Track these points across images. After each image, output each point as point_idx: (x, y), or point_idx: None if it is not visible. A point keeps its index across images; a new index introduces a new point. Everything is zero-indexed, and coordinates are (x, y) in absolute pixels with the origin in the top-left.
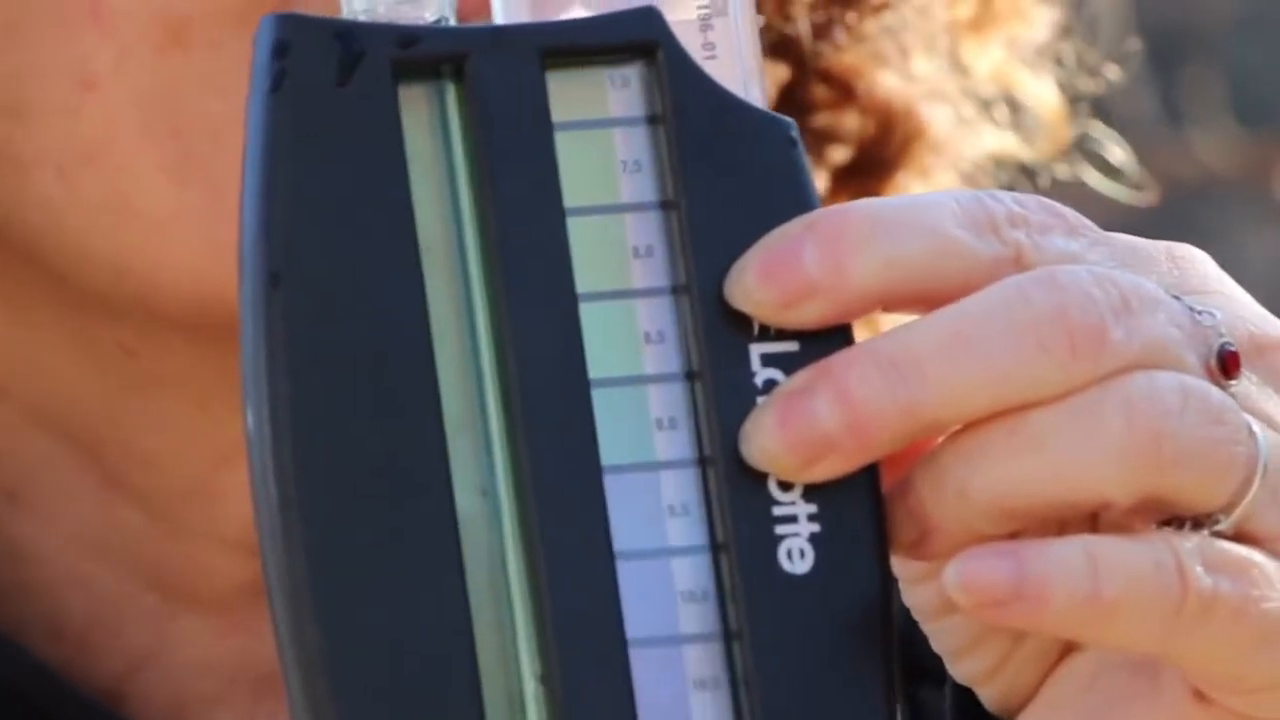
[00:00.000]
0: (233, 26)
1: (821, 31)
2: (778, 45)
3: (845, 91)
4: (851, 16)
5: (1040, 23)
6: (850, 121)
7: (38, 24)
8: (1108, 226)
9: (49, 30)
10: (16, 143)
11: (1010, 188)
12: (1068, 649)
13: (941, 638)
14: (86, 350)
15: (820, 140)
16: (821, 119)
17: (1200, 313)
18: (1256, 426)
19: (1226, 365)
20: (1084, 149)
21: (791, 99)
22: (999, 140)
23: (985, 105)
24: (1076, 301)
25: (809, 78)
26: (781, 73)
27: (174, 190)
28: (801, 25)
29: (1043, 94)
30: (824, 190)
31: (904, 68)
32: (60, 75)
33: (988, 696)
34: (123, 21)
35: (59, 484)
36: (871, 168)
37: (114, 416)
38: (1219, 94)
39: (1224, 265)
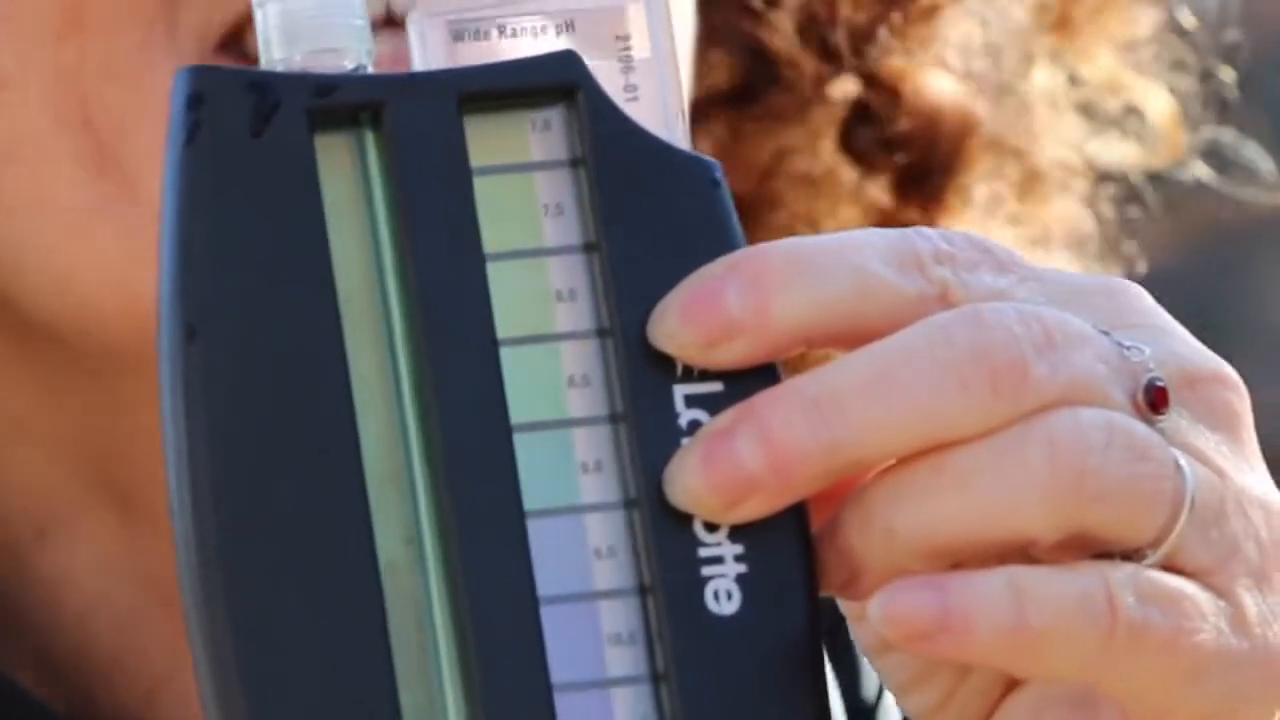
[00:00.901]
0: (126, 11)
1: (866, 34)
2: (824, 49)
3: (892, 95)
4: (896, 18)
5: (1143, 23)
6: (903, 125)
7: None
8: (1236, 230)
9: None
10: None
11: (1133, 195)
12: (1011, 684)
13: (888, 673)
14: (89, 381)
15: (876, 147)
16: (875, 125)
17: (1129, 348)
18: (1184, 461)
19: (1154, 400)
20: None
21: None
22: (1115, 149)
23: (1099, 113)
24: (999, 339)
25: (857, 82)
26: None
27: (91, 183)
28: (844, 29)
29: (1158, 99)
30: (885, 201)
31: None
32: None
33: None
34: (24, 15)
35: (85, 519)
36: (928, 171)
37: (124, 442)
38: None
39: None
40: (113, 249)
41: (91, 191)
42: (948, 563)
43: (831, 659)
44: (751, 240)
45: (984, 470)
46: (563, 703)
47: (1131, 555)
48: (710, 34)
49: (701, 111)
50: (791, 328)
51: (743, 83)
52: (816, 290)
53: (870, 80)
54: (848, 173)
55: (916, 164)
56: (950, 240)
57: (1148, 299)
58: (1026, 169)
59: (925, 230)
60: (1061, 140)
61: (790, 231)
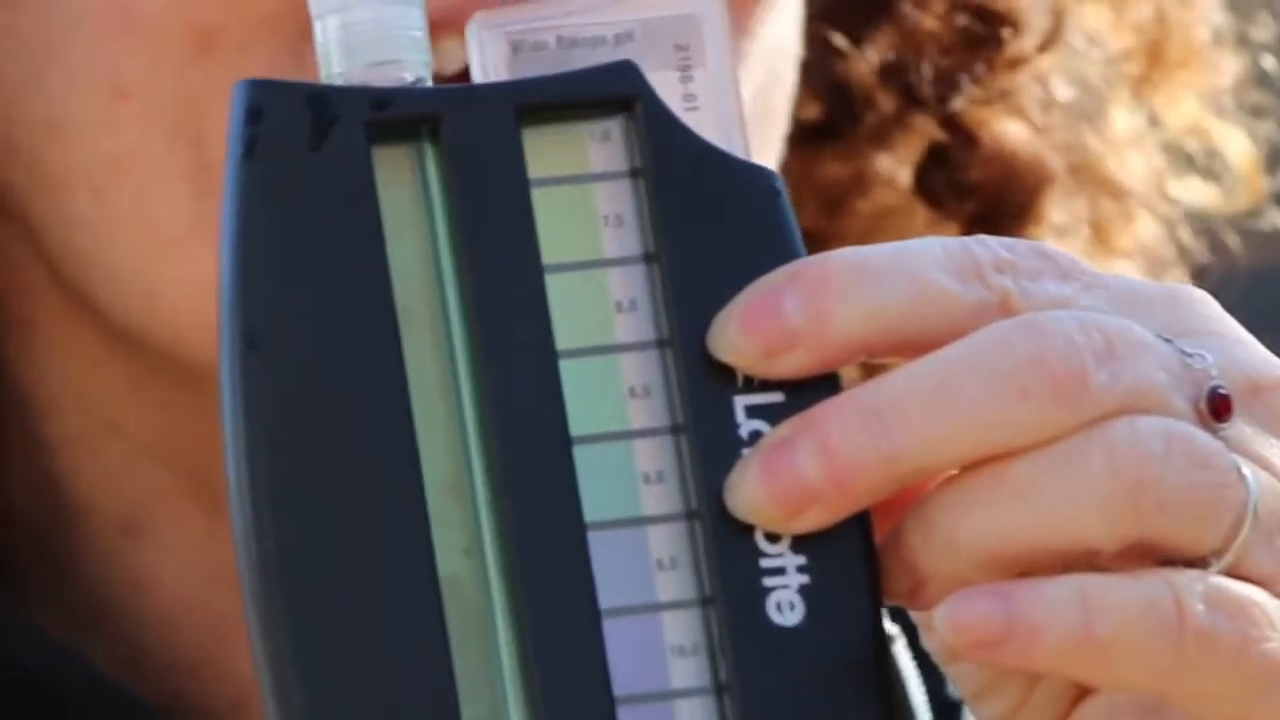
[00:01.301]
0: (262, 34)
1: (948, 80)
2: (906, 91)
3: (970, 142)
4: (980, 67)
5: (1226, 70)
6: (977, 172)
7: (73, 37)
8: None
9: (84, 43)
10: (53, 160)
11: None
12: (1082, 693)
13: (960, 681)
14: (177, 384)
15: (950, 191)
16: (950, 169)
17: (1192, 355)
18: (1247, 469)
19: (1217, 408)
20: None
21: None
22: (1196, 192)
23: (1182, 156)
24: (1058, 347)
25: (935, 125)
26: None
27: (193, 202)
28: (927, 72)
29: (1238, 144)
30: None
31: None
32: (94, 88)
33: None
34: (154, 30)
35: (173, 515)
36: (999, 218)
37: (212, 445)
38: None
39: None
40: (207, 268)
41: (193, 211)
42: (1011, 572)
43: (917, 657)
44: None
45: (1044, 480)
46: (625, 715)
47: (1195, 564)
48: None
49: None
50: (851, 337)
51: (824, 118)
52: (876, 299)
53: (948, 125)
54: (921, 213)
55: (988, 212)
56: (1012, 248)
57: (1214, 306)
58: (1115, 196)
59: (986, 238)
60: (1143, 176)
61: None
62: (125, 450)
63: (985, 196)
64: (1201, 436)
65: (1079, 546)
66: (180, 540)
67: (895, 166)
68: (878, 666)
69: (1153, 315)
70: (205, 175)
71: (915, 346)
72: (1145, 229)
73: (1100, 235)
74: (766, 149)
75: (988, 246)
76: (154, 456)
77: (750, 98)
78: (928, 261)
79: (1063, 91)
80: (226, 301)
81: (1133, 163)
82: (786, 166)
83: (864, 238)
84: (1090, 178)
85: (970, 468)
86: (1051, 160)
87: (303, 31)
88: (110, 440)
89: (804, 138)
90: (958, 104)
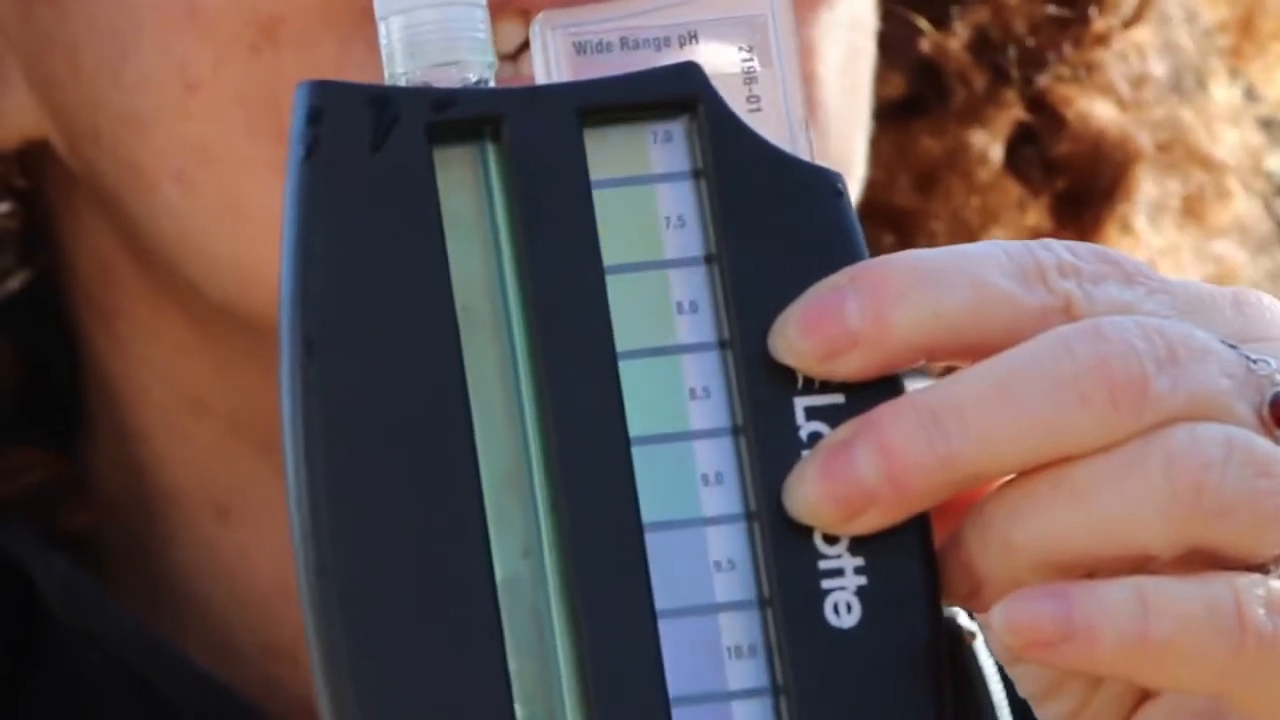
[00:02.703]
0: (323, 24)
1: (1036, 58)
2: (994, 69)
3: (1057, 120)
4: (1067, 44)
5: None
6: (1064, 149)
7: (141, 31)
8: None
9: (152, 37)
10: (139, 153)
11: None
12: (1144, 696)
13: (1023, 682)
14: (268, 366)
15: (1038, 168)
16: (1038, 146)
17: (1256, 361)
18: None
19: None
20: None
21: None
22: None
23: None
24: (1119, 353)
25: (1023, 103)
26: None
27: (280, 193)
28: (1014, 49)
29: None
30: (1043, 221)
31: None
32: (165, 80)
33: None
34: (218, 22)
35: (265, 497)
36: (1088, 196)
37: None
38: None
39: None
40: None
41: (280, 199)
42: (1068, 577)
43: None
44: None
45: (1102, 486)
46: (681, 715)
47: (1254, 570)
48: (881, 47)
49: (874, 120)
50: (911, 340)
51: (911, 94)
52: (937, 302)
53: (1035, 103)
54: (1014, 191)
55: (1076, 189)
56: (1075, 252)
57: None
58: (1210, 171)
59: (1050, 242)
60: (1239, 152)
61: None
62: (214, 434)
63: (1073, 174)
64: (1261, 443)
65: (1136, 552)
66: (273, 524)
67: (987, 144)
68: (935, 669)
69: (1218, 320)
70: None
71: (976, 350)
72: (1241, 205)
73: (1194, 211)
74: (855, 122)
75: (1051, 250)
76: (244, 440)
77: (837, 70)
78: (990, 265)
79: (1157, 66)
80: (286, 308)
81: (1228, 138)
82: (880, 144)
83: (957, 215)
84: (1184, 153)
85: (1029, 472)
86: (1140, 137)
87: (366, 13)
88: (198, 424)
89: (893, 114)
90: (1044, 81)
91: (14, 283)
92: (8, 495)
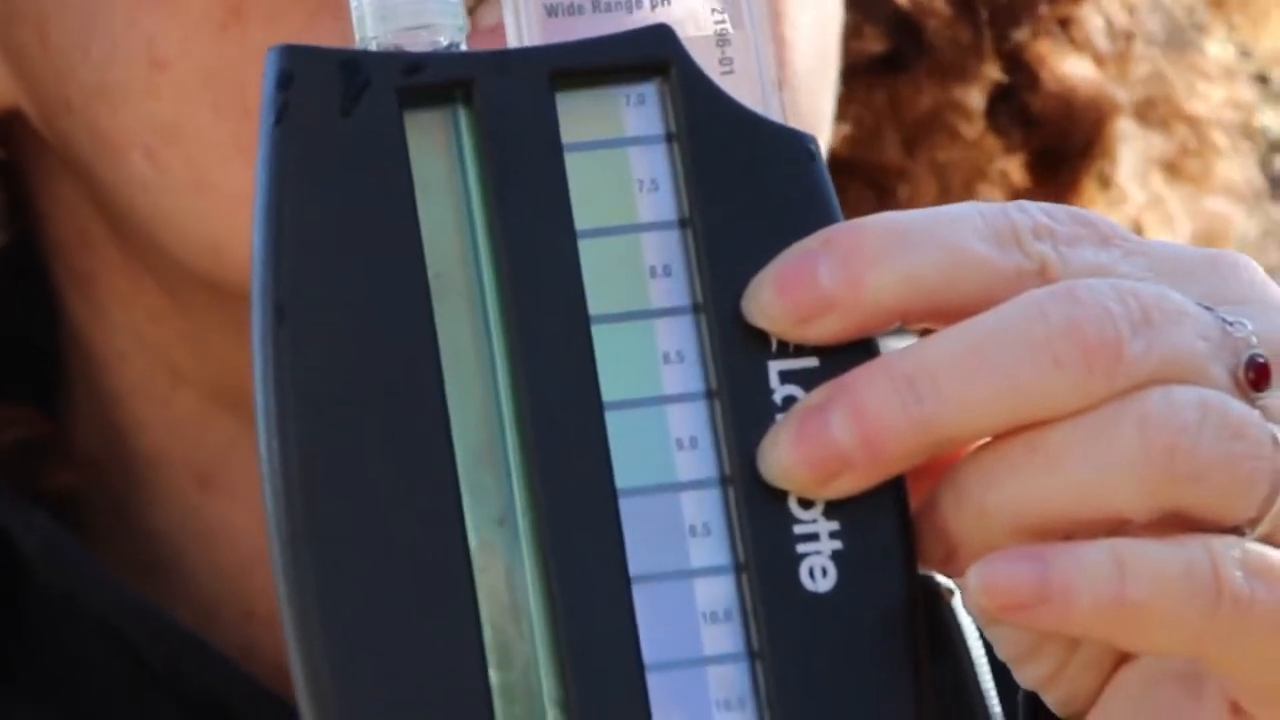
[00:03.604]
0: (289, 1)
1: (1011, 14)
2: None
3: (1031, 75)
4: (1043, 4)
5: None
6: (1039, 106)
7: (112, 7)
8: None
9: (121, 13)
10: (108, 125)
11: None
12: (1122, 659)
13: (1000, 644)
14: (242, 333)
15: (1015, 124)
16: (1015, 102)
17: (1232, 323)
18: None
19: (1256, 377)
20: None
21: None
22: None
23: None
24: (1093, 316)
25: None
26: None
27: (250, 171)
28: (988, 7)
29: None
30: (1022, 178)
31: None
32: (133, 56)
33: (1051, 701)
34: (185, 1)
35: (245, 465)
36: (1064, 152)
37: None
38: None
39: None
40: None
41: (250, 178)
42: (1042, 540)
43: None
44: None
45: (1075, 449)
46: (656, 681)
47: (1229, 533)
48: (858, 2)
49: (857, 77)
50: (885, 303)
51: (893, 51)
52: (911, 265)
53: (1012, 58)
54: (994, 146)
55: (1052, 145)
56: (1051, 214)
57: (1258, 272)
58: (1195, 129)
59: (1025, 204)
60: (1227, 106)
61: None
62: (193, 402)
63: (1048, 130)
64: (1237, 406)
65: (1111, 516)
66: (254, 491)
67: (970, 99)
68: (912, 633)
69: (1194, 282)
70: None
71: (951, 313)
72: (1230, 161)
73: (1180, 168)
74: (824, 84)
75: (1027, 213)
76: (224, 408)
77: (807, 32)
78: (964, 228)
79: (1149, 21)
80: (257, 274)
81: (1214, 94)
82: (865, 100)
83: (940, 173)
84: (1168, 110)
85: (1003, 436)
86: (1117, 93)
87: None
88: (177, 392)
89: (875, 70)
90: (1020, 36)
91: None
92: None
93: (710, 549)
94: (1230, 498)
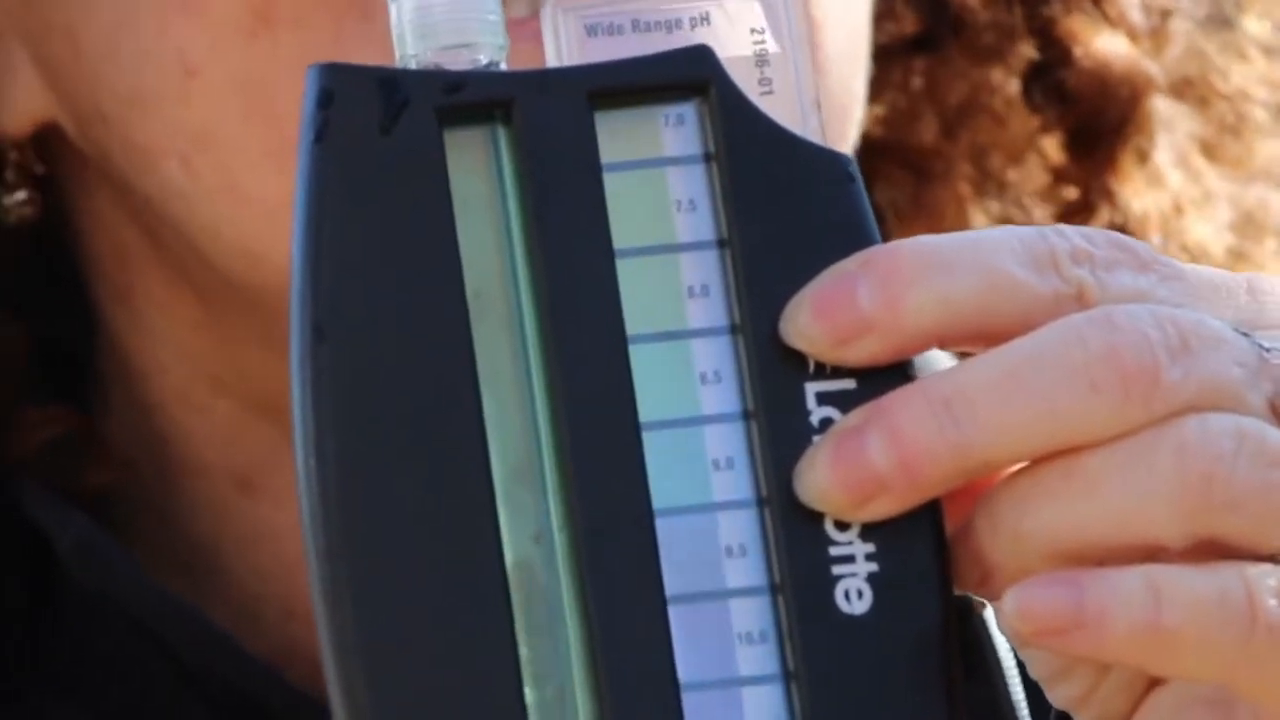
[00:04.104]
0: (318, 7)
1: None
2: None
3: (1064, 52)
4: None
5: None
6: (1073, 83)
7: (141, 16)
8: None
9: (151, 21)
10: (141, 133)
11: None
12: (1154, 681)
13: (1033, 665)
14: (279, 343)
15: (1050, 102)
16: (1049, 80)
17: (1269, 349)
18: None
19: None
20: None
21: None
22: None
23: None
24: (1131, 342)
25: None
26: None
27: (279, 177)
28: None
29: None
30: (1057, 159)
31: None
32: (163, 63)
33: None
34: (212, 8)
35: (287, 471)
36: (1099, 129)
37: None
38: None
39: None
40: None
41: (279, 184)
42: (1077, 566)
43: None
44: (931, 199)
45: (1112, 476)
46: (691, 701)
47: (1264, 561)
48: None
49: (893, 59)
50: (923, 326)
51: (926, 31)
52: (949, 288)
53: (1045, 35)
54: (1031, 125)
55: (1087, 123)
56: (1089, 238)
57: None
58: (1232, 107)
59: (1064, 228)
60: (1269, 83)
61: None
62: (234, 410)
63: (1084, 107)
64: (1273, 434)
65: (1146, 543)
66: (295, 496)
67: (1006, 80)
68: (946, 655)
69: (1232, 307)
70: (288, 150)
71: (988, 336)
72: (1271, 140)
73: (1218, 146)
74: (856, 66)
75: (1065, 237)
76: (264, 416)
77: (838, 13)
78: (1003, 252)
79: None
80: (296, 293)
81: (1254, 72)
82: (903, 81)
83: (979, 156)
84: (1206, 88)
85: (1040, 461)
86: (1150, 69)
87: None
88: (218, 401)
89: (907, 51)
90: (1052, 13)
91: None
92: (25, 452)
93: (746, 570)
94: (1266, 526)
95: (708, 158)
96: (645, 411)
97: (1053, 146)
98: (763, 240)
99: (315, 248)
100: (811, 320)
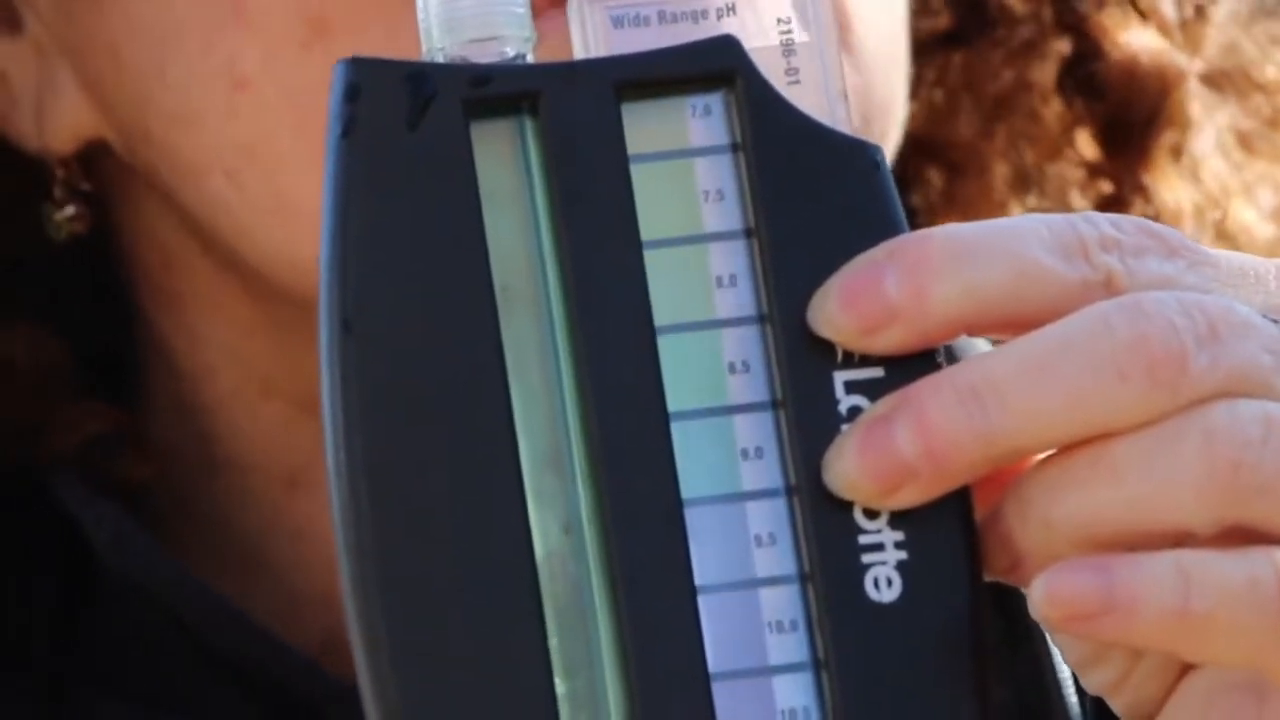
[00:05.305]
0: (372, 14)
1: None
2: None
3: (1094, 46)
4: None
5: None
6: (1104, 75)
7: (186, 31)
8: None
9: (197, 35)
10: (187, 150)
11: None
12: (1187, 666)
13: (1066, 650)
14: None
15: (1082, 96)
16: (1081, 74)
17: None
18: None
19: None
20: None
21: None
22: None
23: None
24: (1158, 329)
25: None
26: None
27: None
28: None
29: None
30: (1091, 154)
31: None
32: (214, 78)
33: (1117, 707)
34: (265, 19)
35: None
36: (1131, 122)
37: None
38: None
39: None
40: None
41: None
42: (1106, 552)
43: None
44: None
45: (1139, 463)
46: (722, 690)
47: None
48: None
49: (928, 55)
50: (951, 314)
51: (958, 26)
52: (976, 277)
53: (1075, 30)
54: (1065, 120)
55: (1118, 117)
56: (1118, 225)
57: None
58: (1269, 100)
59: (1092, 215)
60: None
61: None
62: (283, 409)
63: (1113, 101)
64: None
65: (1175, 529)
66: None
67: (1043, 75)
68: (976, 642)
69: (1262, 294)
70: None
71: (1017, 324)
72: None
73: (1262, 138)
74: (895, 63)
75: (1093, 224)
76: (313, 413)
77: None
78: (1030, 240)
79: None
80: (324, 285)
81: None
82: (942, 79)
83: (1016, 153)
84: (1247, 81)
85: (1068, 449)
86: (1181, 62)
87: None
88: (266, 400)
89: (941, 46)
90: (1084, 7)
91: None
92: (64, 448)
93: (775, 559)
94: None
95: (735, 148)
96: (674, 401)
97: (1086, 141)
98: (790, 230)
99: (342, 243)
100: (839, 309)
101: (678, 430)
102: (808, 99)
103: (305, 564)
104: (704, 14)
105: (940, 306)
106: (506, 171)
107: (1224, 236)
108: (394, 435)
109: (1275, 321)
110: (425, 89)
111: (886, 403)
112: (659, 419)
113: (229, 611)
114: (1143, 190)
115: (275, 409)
